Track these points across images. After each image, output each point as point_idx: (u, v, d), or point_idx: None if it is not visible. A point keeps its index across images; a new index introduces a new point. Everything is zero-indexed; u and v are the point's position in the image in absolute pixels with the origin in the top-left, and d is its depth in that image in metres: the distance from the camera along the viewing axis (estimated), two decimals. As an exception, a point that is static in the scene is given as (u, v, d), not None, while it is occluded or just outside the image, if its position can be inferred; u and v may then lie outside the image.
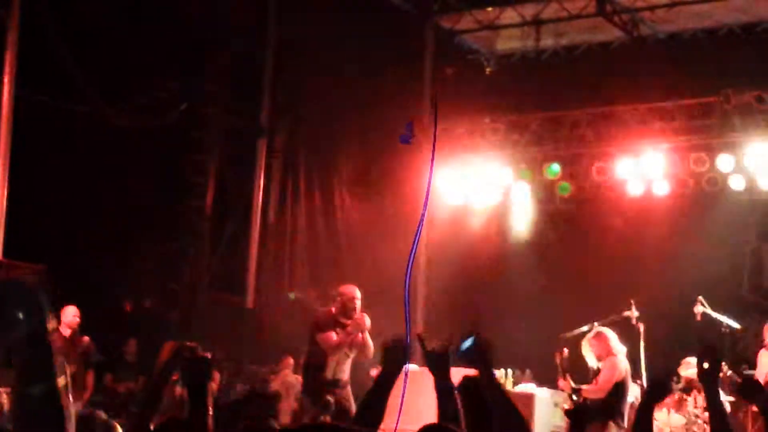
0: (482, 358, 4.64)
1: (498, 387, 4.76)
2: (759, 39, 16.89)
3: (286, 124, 18.42)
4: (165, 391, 5.09)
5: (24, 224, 14.63)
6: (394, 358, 4.91)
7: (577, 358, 11.75)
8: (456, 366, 4.98)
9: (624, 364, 11.44)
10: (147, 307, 17.45)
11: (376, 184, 17.87)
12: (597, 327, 11.89)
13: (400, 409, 4.69)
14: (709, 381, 5.01)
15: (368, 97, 17.53)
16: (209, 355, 4.92)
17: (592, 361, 11.51)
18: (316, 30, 17.60)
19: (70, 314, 13.26)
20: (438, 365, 4.97)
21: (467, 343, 4.63)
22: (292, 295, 18.11)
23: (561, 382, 11.82)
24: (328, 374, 11.40)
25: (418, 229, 4.71)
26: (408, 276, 4.59)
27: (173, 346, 5.00)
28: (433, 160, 4.84)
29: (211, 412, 4.61)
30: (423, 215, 5.23)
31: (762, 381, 11.12)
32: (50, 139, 15.08)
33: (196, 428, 4.59)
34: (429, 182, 5.24)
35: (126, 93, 15.70)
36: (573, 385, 11.64)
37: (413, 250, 4.55)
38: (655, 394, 5.29)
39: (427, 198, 4.97)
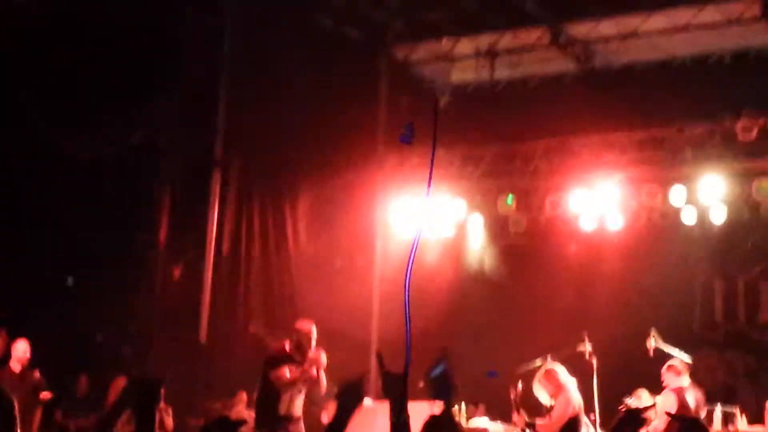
0: (447, 390, 4.59)
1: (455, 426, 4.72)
2: (712, 71, 16.95)
3: (240, 156, 18.27)
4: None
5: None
6: (350, 395, 4.82)
7: (531, 393, 11.76)
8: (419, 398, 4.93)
9: (577, 399, 11.46)
10: (98, 342, 17.23)
11: (330, 217, 17.75)
12: (548, 363, 11.92)
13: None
14: None
15: (323, 129, 17.45)
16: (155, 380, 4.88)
17: (544, 399, 11.52)
18: (270, 60, 17.53)
19: (21, 350, 13.16)
20: (394, 390, 4.87)
21: (438, 369, 4.60)
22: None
23: (515, 417, 11.84)
24: (281, 410, 11.42)
25: (413, 245, 4.68)
26: (407, 286, 4.56)
27: (124, 382, 4.97)
28: (432, 165, 4.84)
29: None
30: (421, 226, 5.20)
31: (661, 421, 11.24)
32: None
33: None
34: (429, 184, 5.20)
35: (77, 121, 15.53)
36: (527, 419, 11.67)
37: (410, 260, 4.50)
38: None
39: (425, 210, 4.95)
